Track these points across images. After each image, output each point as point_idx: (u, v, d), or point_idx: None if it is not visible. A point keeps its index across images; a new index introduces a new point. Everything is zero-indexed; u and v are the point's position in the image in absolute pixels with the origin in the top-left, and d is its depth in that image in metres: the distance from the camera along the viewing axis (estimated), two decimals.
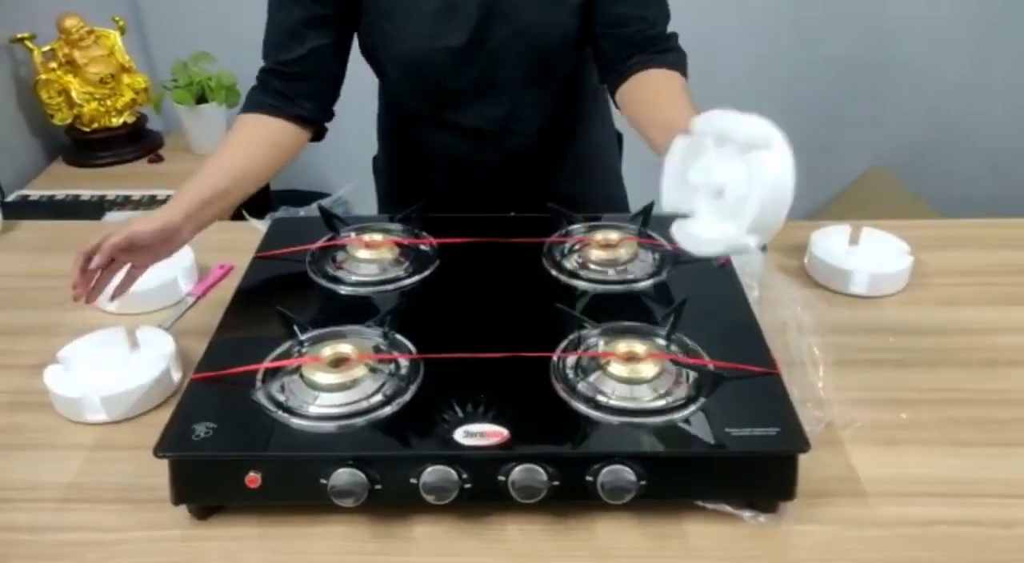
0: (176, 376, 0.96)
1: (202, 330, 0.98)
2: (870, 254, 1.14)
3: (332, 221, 1.10)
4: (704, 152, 0.80)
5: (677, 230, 0.81)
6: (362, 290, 1.00)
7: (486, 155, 1.19)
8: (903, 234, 1.17)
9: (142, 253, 0.96)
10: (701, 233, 0.79)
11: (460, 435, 0.76)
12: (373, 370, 0.83)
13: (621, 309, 0.96)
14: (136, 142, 1.93)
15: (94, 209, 1.67)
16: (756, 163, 0.74)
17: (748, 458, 0.76)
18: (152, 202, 1.72)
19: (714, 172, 0.78)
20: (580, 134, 1.25)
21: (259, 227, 1.22)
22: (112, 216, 1.66)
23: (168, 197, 1.77)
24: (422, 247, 1.07)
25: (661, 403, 0.80)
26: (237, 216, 1.26)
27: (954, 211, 2.12)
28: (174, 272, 1.12)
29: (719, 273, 1.02)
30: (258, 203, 1.95)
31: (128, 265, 0.97)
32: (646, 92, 1.03)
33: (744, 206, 0.74)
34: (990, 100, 2.29)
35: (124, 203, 1.71)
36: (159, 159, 1.92)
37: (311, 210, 1.19)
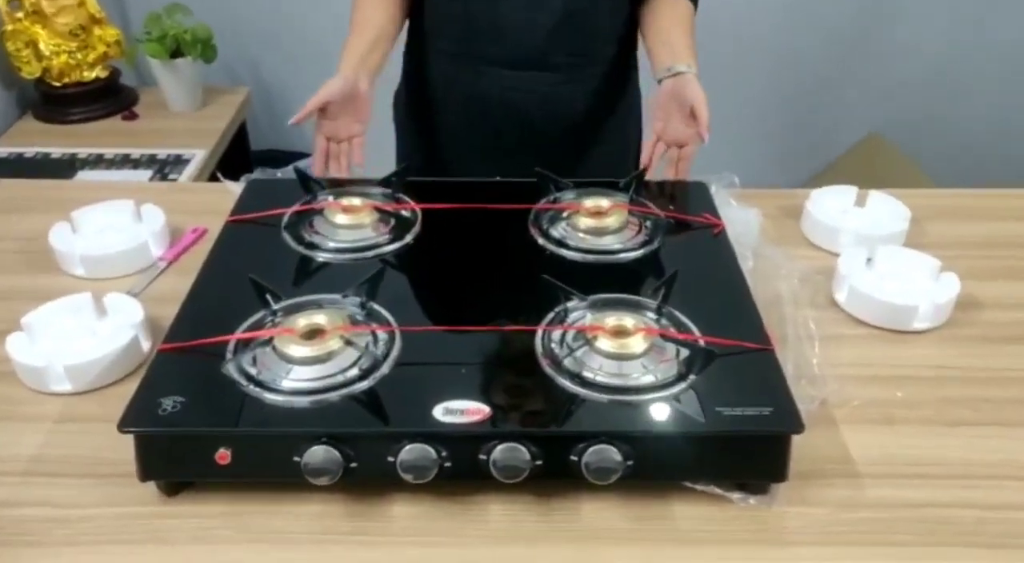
0: (145, 345, 0.92)
1: (173, 296, 0.93)
2: (868, 217, 1.11)
3: (309, 183, 1.05)
4: None
5: None
6: (339, 257, 0.96)
7: (515, 95, 1.19)
8: (907, 202, 1.13)
9: (340, 112, 1.10)
10: None
11: (439, 412, 0.73)
12: (349, 343, 0.79)
13: (610, 280, 0.92)
14: (109, 98, 1.86)
15: (65, 167, 1.61)
16: None
17: (739, 439, 0.73)
18: (126, 161, 1.66)
19: None
20: (610, 115, 1.25)
21: (233, 189, 1.17)
22: (85, 175, 1.60)
23: (143, 155, 1.74)
24: (403, 212, 1.02)
25: (650, 380, 0.77)
26: (212, 178, 1.22)
27: (952, 178, 2.09)
28: (144, 235, 1.08)
29: (713, 242, 0.98)
30: (237, 163, 1.91)
31: (352, 138, 1.12)
32: (656, 16, 1.16)
33: None
34: (989, 63, 2.24)
35: (97, 162, 1.65)
36: (133, 116, 1.86)
37: (288, 172, 1.14)
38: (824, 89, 2.24)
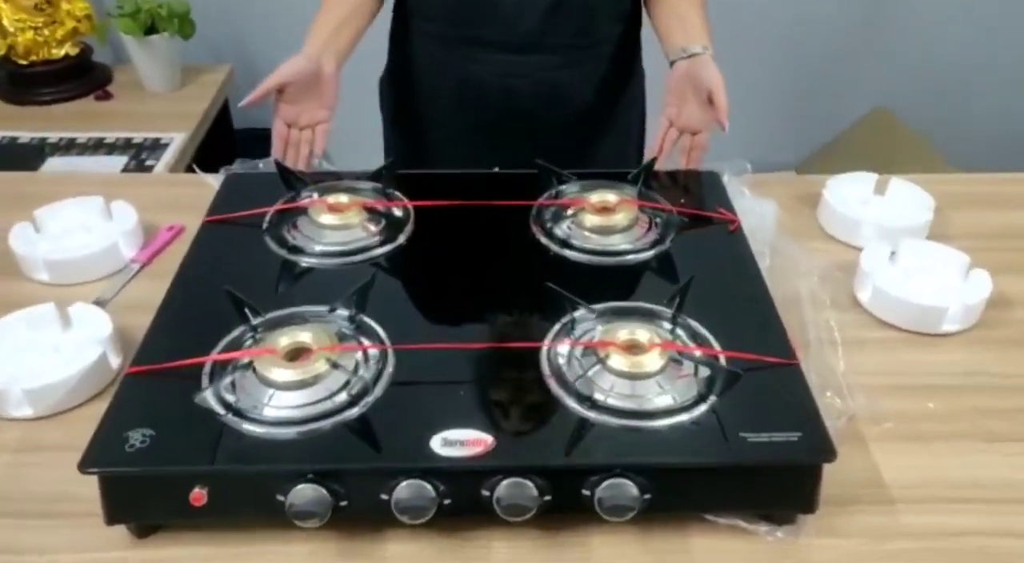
0: (115, 362, 0.85)
1: (146, 303, 0.86)
2: (889, 207, 1.04)
3: (291, 179, 0.97)
4: None
5: None
6: (325, 262, 0.88)
7: (511, 80, 1.10)
8: (927, 188, 1.06)
9: (301, 96, 1.00)
10: None
11: (437, 444, 0.66)
12: (336, 365, 0.72)
13: (619, 285, 0.85)
14: (80, 77, 1.76)
15: (34, 153, 1.52)
16: None
17: (766, 469, 0.67)
18: (100, 146, 1.57)
19: None
20: (613, 100, 1.17)
21: (211, 183, 1.09)
22: (55, 162, 1.51)
23: (118, 139, 1.65)
24: (394, 210, 0.94)
25: (667, 402, 0.70)
26: (188, 169, 1.14)
27: (963, 155, 2.02)
28: (114, 235, 1.00)
29: (729, 240, 0.91)
30: (220, 146, 1.82)
31: (315, 125, 1.03)
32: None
33: None
34: (1006, 37, 2.16)
35: (68, 147, 1.56)
36: (107, 96, 1.76)
37: (270, 163, 1.06)
38: (832, 62, 2.16)
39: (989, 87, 2.23)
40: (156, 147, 1.55)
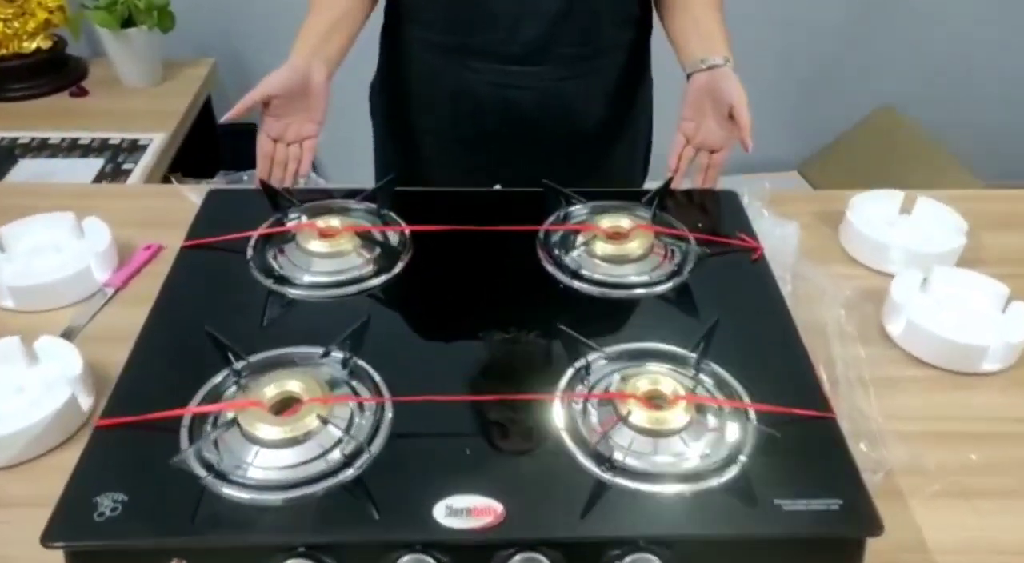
0: (86, 403, 0.78)
1: (122, 334, 0.79)
2: (917, 228, 0.98)
3: (277, 198, 0.90)
4: None
5: None
6: (315, 294, 0.81)
7: (512, 92, 1.02)
8: (956, 206, 1.00)
9: (288, 109, 0.92)
10: None
11: (441, 512, 0.60)
12: (327, 421, 0.65)
13: (636, 322, 0.79)
14: (54, 72, 1.67)
15: (4, 155, 1.43)
16: None
17: (805, 542, 0.61)
18: (74, 147, 1.48)
19: None
20: (621, 112, 1.10)
21: (191, 198, 1.01)
22: (27, 164, 1.43)
23: (93, 140, 1.56)
24: (390, 237, 0.87)
25: (694, 464, 0.64)
26: (164, 179, 1.06)
27: (967, 156, 1.96)
28: (86, 257, 0.92)
29: (751, 271, 0.84)
30: (202, 146, 1.73)
31: (303, 140, 0.95)
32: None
33: None
34: (1013, 34, 2.09)
35: (41, 148, 1.47)
36: (82, 92, 1.67)
37: (256, 176, 0.98)
38: (835, 59, 2.09)
39: (996, 85, 2.17)
40: (134, 149, 1.47)
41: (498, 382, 0.71)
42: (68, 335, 0.85)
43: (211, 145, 1.83)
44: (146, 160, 1.44)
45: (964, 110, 2.16)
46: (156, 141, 1.49)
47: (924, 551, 0.67)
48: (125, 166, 1.42)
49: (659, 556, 0.59)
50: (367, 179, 1.24)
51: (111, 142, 1.48)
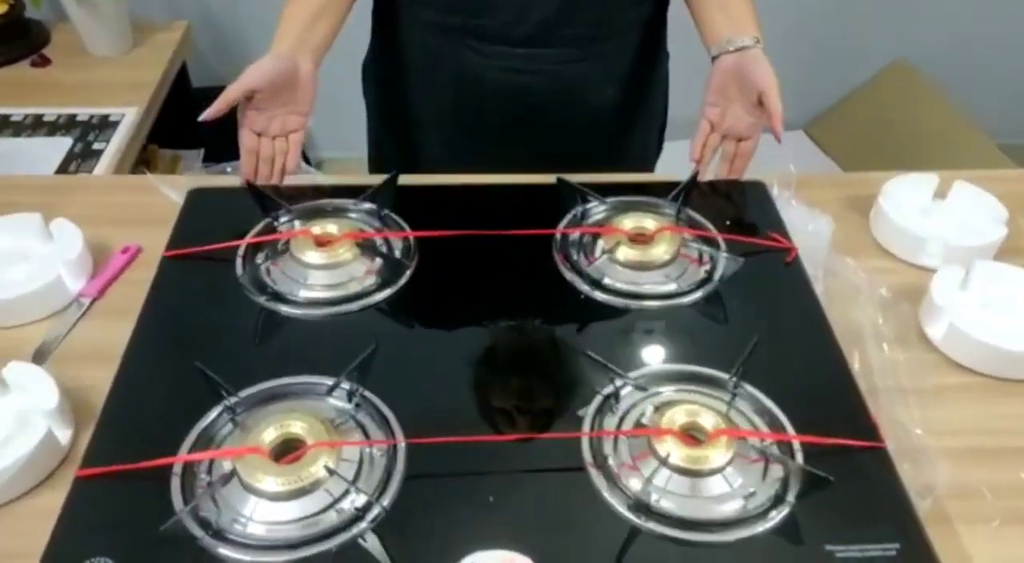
0: (64, 436, 0.70)
1: (100, 351, 0.73)
2: (954, 217, 0.91)
3: (265, 200, 0.82)
4: None
5: None
6: (313, 313, 0.74)
7: (517, 77, 0.94)
8: (993, 188, 0.93)
9: (273, 102, 0.84)
10: None
11: None
12: (332, 471, 0.59)
13: (666, 338, 0.72)
14: (12, 40, 1.54)
15: None
16: None
17: None
18: (39, 124, 1.38)
19: None
20: (635, 96, 1.01)
21: (171, 196, 0.93)
22: None
23: (60, 116, 1.45)
24: (394, 245, 0.80)
25: (737, 508, 0.58)
26: (134, 168, 0.97)
27: (982, 110, 1.89)
28: (56, 265, 0.84)
29: (786, 276, 0.78)
30: (178, 118, 1.62)
31: (288, 134, 0.87)
32: None
33: None
34: None
35: (3, 126, 1.36)
36: (45, 61, 1.55)
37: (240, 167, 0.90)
38: (845, 10, 1.99)
39: (1016, 39, 2.08)
40: (105, 125, 1.36)
41: (520, 414, 0.65)
42: (40, 355, 0.78)
43: (189, 113, 1.72)
44: (119, 139, 1.34)
45: (978, 66, 2.08)
46: (129, 116, 1.39)
47: None
48: (96, 145, 1.32)
49: None
50: (358, 141, 1.15)
51: (79, 119, 1.38)
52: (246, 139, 0.85)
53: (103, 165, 1.29)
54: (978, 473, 0.70)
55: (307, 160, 2.07)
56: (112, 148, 1.32)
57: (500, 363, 0.69)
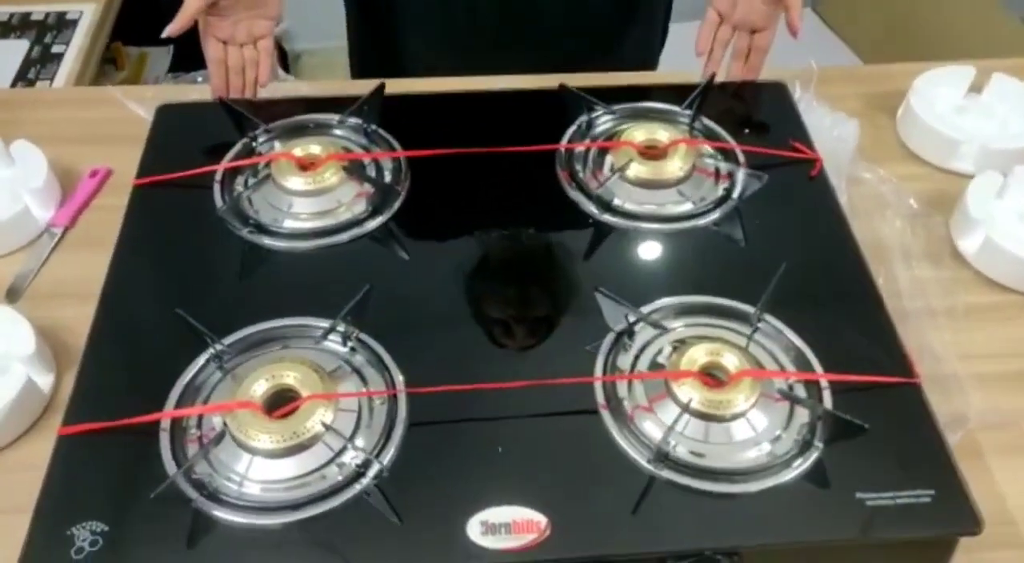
0: (44, 382, 0.66)
1: (77, 287, 0.69)
2: (991, 117, 0.84)
3: (241, 119, 0.74)
4: None
5: None
6: (301, 245, 0.68)
7: None
8: None
9: (238, 6, 0.76)
10: None
11: (475, 529, 0.52)
12: (328, 427, 0.55)
13: (682, 263, 0.67)
14: None
15: None
16: None
17: (893, 544, 0.53)
18: None
19: None
20: None
21: (138, 111, 0.85)
22: None
23: (12, 15, 1.32)
24: (384, 166, 0.73)
25: (762, 454, 0.55)
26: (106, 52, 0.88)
27: None
28: (21, 194, 0.78)
29: (810, 191, 0.72)
30: (145, 11, 1.50)
31: (257, 41, 0.78)
32: None
33: None
34: None
35: None
36: None
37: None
38: None
39: None
40: (63, 25, 1.25)
41: (528, 352, 0.61)
42: (13, 294, 0.73)
43: (154, 4, 1.60)
44: (78, 39, 1.23)
45: None
46: (88, 14, 1.27)
47: (1012, 523, 0.60)
48: (55, 48, 1.21)
49: None
50: (337, 29, 1.05)
51: (34, 18, 1.26)
52: (211, 50, 0.76)
53: (64, 71, 1.19)
54: (1013, 401, 0.66)
55: (284, 59, 1.94)
56: (73, 51, 1.22)
57: (504, 299, 0.64)
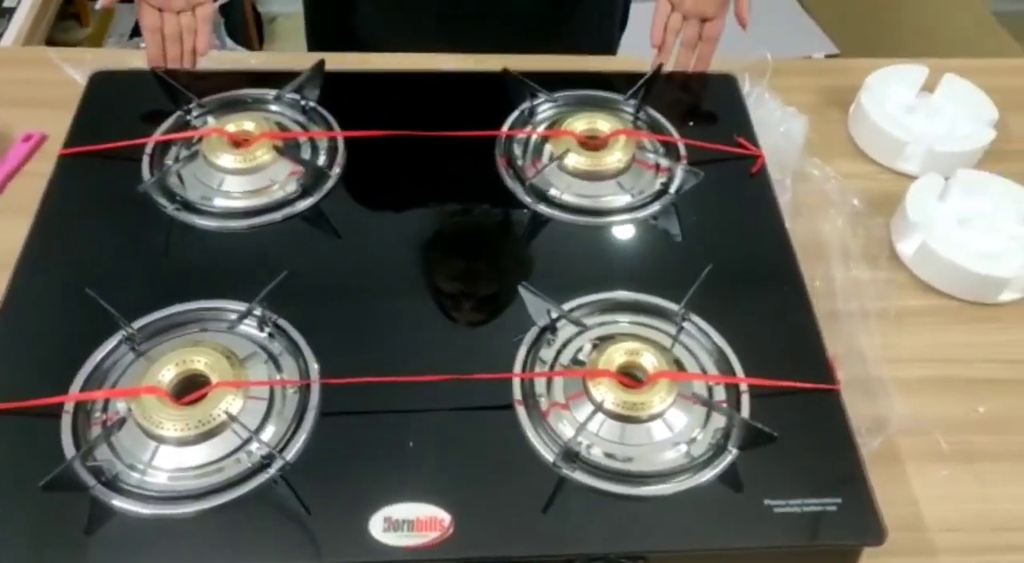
0: None
1: (7, 257, 0.67)
2: (940, 117, 0.84)
3: (177, 93, 0.72)
4: None
5: None
6: (229, 225, 0.67)
7: None
8: (985, 82, 0.85)
9: None
10: None
11: (378, 526, 0.51)
12: (233, 418, 0.54)
13: (614, 258, 0.67)
14: None
15: None
16: None
17: (796, 550, 0.53)
18: None
19: None
20: None
21: (76, 77, 0.83)
22: None
23: None
24: (319, 143, 0.71)
25: (675, 456, 0.55)
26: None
27: None
28: None
29: (750, 187, 0.72)
30: None
31: (195, 7, 0.75)
32: None
33: None
34: None
35: None
36: None
37: None
38: None
39: None
40: None
41: (453, 343, 0.60)
42: None
43: None
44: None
45: None
46: None
47: (920, 530, 0.60)
48: (7, 2, 1.18)
49: None
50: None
51: None
52: (146, 17, 0.74)
53: (15, 27, 1.16)
54: (933, 407, 0.66)
55: (259, 22, 1.90)
56: (26, 4, 1.19)
57: (428, 268, 0.63)
